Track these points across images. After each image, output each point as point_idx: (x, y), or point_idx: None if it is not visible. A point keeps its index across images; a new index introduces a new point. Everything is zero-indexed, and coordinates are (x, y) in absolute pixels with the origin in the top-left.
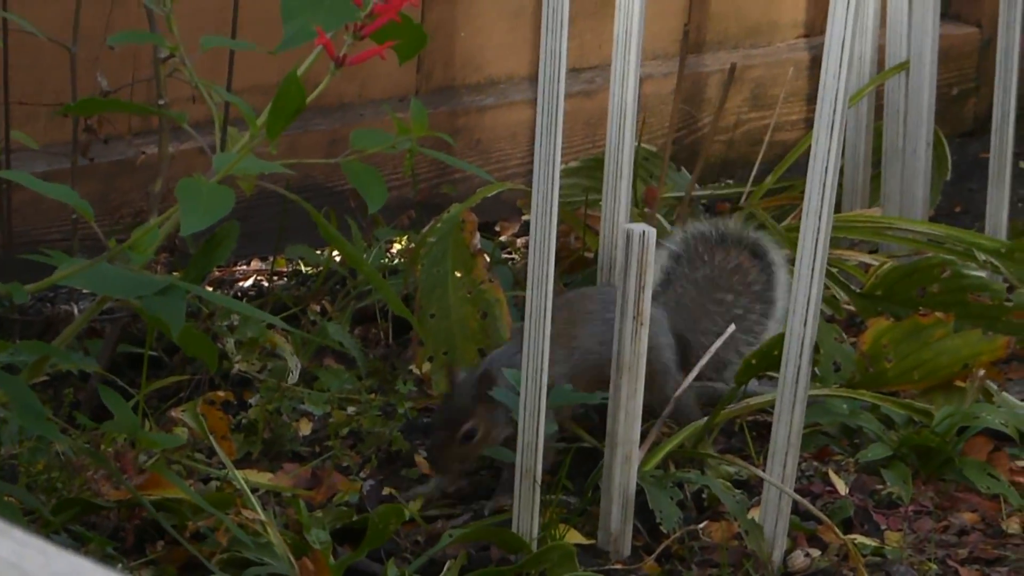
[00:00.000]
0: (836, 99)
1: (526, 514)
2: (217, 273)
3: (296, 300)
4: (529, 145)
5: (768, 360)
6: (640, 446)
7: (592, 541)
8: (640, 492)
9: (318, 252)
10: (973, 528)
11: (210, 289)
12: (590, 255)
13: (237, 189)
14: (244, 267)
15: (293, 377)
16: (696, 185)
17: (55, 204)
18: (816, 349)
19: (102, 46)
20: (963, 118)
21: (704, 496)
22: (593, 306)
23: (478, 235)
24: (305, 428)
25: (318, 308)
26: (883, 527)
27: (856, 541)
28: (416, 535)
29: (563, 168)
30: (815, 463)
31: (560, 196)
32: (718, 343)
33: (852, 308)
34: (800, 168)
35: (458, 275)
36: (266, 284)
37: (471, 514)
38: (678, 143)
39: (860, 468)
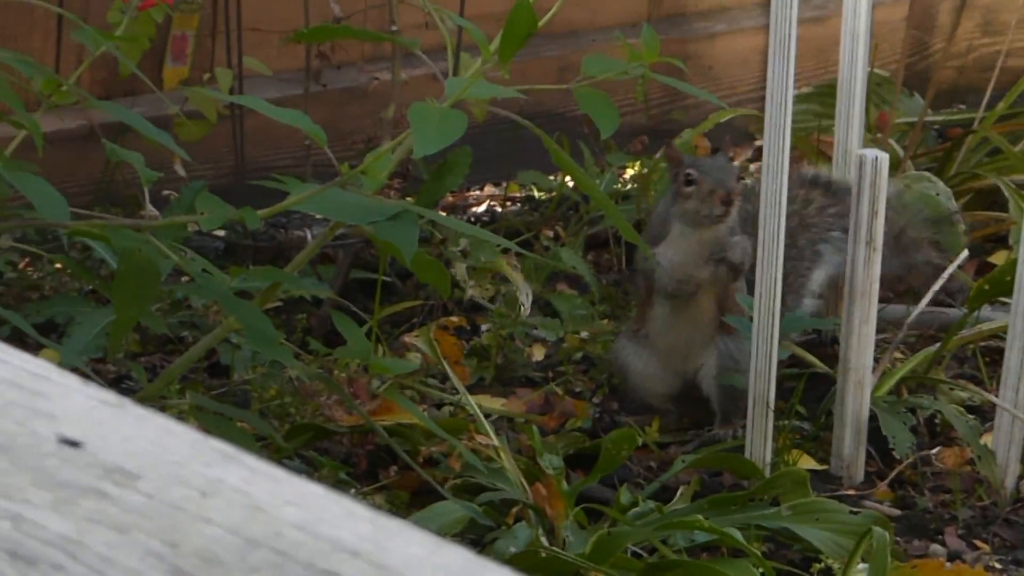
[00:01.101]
0: None
1: (759, 440)
2: (450, 198)
3: (529, 225)
4: (760, 71)
5: (1001, 285)
6: (873, 372)
7: (825, 467)
8: (873, 418)
9: (551, 178)
10: None
11: (443, 214)
12: None
13: (469, 115)
14: (477, 192)
15: (525, 307)
16: (928, 110)
17: (287, 130)
18: None
19: None
20: None
21: (936, 422)
22: None
23: None
24: (538, 353)
25: (551, 233)
26: None
27: None
28: (648, 461)
29: (796, 94)
30: None
31: (792, 122)
32: (951, 268)
33: None
34: None
35: None
36: (499, 209)
37: (702, 440)
38: (910, 69)
39: None
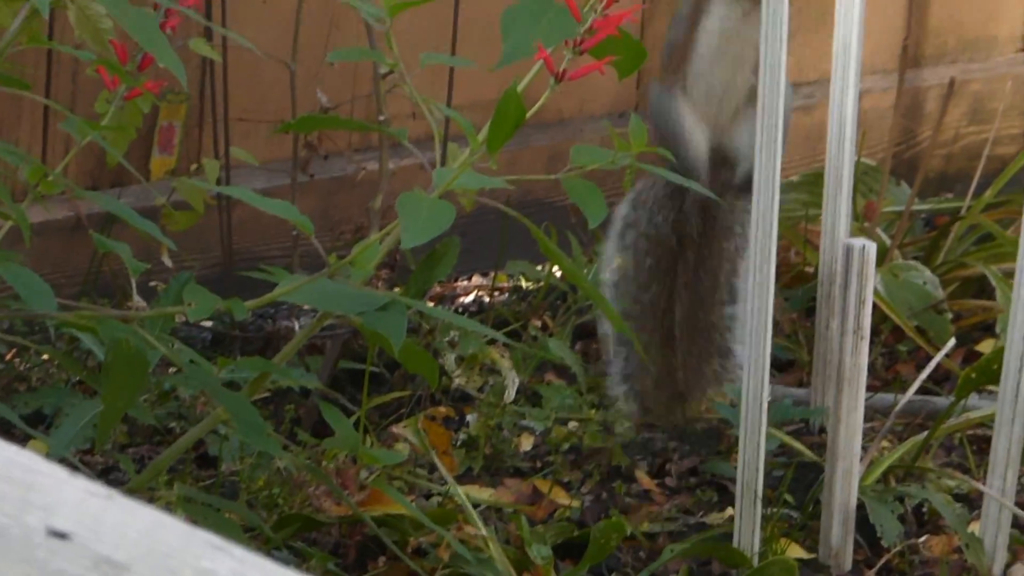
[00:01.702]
0: None
1: (747, 529)
2: (438, 289)
3: (517, 315)
4: None
5: (988, 374)
6: (860, 460)
7: (813, 555)
8: (861, 506)
9: (538, 268)
10: None
11: (431, 304)
12: (810, 270)
13: (457, 205)
14: (465, 283)
15: (509, 395)
16: (915, 199)
17: (274, 221)
18: None
19: (321, 63)
20: None
21: (924, 510)
22: None
23: None
24: (526, 443)
25: (539, 323)
26: None
27: None
28: (637, 550)
29: (783, 183)
30: None
31: (780, 211)
32: (938, 357)
33: None
34: (1020, 182)
35: None
36: (487, 299)
37: (692, 529)
38: (897, 157)
39: None
